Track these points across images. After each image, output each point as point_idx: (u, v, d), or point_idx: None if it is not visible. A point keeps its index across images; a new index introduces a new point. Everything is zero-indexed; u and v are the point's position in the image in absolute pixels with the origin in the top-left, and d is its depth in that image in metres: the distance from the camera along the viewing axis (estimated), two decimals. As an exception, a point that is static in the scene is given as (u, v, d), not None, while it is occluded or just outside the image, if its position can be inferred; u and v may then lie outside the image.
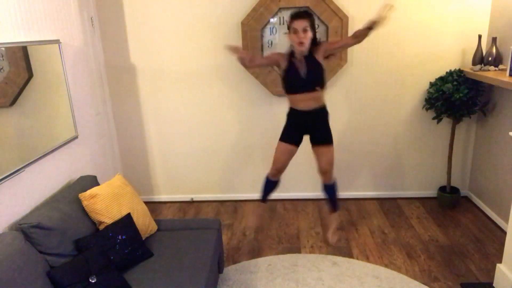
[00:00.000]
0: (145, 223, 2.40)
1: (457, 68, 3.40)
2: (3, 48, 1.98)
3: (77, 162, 2.63)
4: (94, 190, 2.25)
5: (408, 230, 3.27)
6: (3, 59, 1.99)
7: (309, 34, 2.61)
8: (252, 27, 3.36)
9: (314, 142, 2.89)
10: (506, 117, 3.17)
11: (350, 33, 3.40)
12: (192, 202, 3.96)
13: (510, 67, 2.79)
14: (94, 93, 3.28)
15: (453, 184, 3.73)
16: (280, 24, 3.39)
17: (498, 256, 2.84)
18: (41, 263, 1.83)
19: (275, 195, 3.90)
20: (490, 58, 3.17)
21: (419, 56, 3.46)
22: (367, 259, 2.91)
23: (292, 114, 2.86)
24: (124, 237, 2.16)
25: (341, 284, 2.62)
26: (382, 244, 3.08)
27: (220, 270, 2.64)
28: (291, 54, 2.73)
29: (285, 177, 3.84)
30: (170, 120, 3.74)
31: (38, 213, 1.96)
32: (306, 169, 3.74)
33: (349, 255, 2.96)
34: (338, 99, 3.58)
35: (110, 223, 2.20)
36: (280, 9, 3.33)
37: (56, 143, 2.38)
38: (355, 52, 3.46)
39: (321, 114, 2.83)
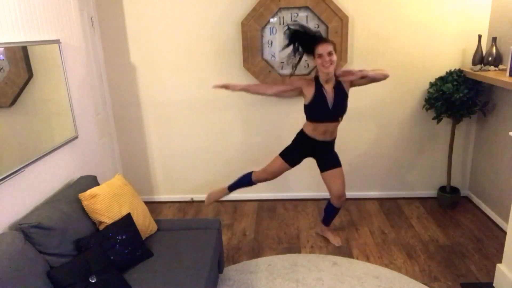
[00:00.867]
0: (145, 223, 2.40)
1: (457, 68, 3.40)
2: (3, 48, 1.98)
3: (77, 162, 2.63)
4: (94, 190, 2.24)
5: (408, 230, 3.27)
6: (3, 59, 1.99)
7: (334, 57, 2.57)
8: (252, 27, 3.36)
9: (325, 167, 2.87)
10: (506, 117, 3.17)
11: (350, 32, 3.41)
12: (192, 202, 3.96)
13: (510, 67, 2.79)
14: (94, 93, 3.28)
15: (453, 184, 3.73)
16: (280, 24, 3.39)
17: (498, 256, 2.84)
18: (41, 263, 1.83)
19: (275, 195, 3.92)
20: (490, 58, 3.17)
21: (419, 56, 3.46)
22: (367, 259, 2.91)
23: (304, 140, 2.82)
24: (124, 237, 2.16)
25: (341, 284, 2.62)
26: (382, 244, 3.08)
27: (220, 270, 2.64)
28: (317, 83, 2.69)
29: (285, 177, 3.85)
30: (170, 120, 3.74)
31: (38, 213, 1.96)
32: (306, 169, 3.74)
33: (349, 255, 2.96)
34: (338, 99, 3.58)
35: (110, 223, 2.20)
36: (280, 9, 3.33)
37: (56, 143, 2.38)
38: (355, 52, 3.47)
39: (332, 142, 2.86)
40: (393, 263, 2.85)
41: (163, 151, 3.85)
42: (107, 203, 2.24)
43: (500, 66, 3.15)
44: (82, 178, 2.48)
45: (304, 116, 2.81)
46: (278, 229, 3.36)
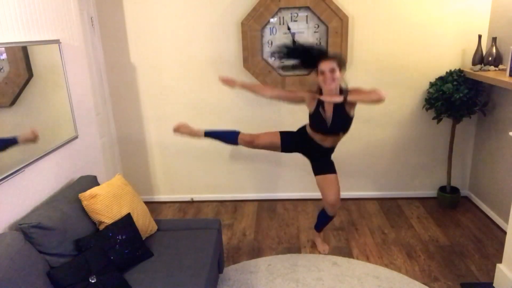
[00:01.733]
0: (145, 223, 2.40)
1: (457, 68, 3.40)
2: (3, 48, 1.98)
3: (77, 162, 2.63)
4: (94, 190, 2.25)
5: (408, 230, 3.27)
6: (3, 59, 1.99)
7: (337, 74, 2.48)
8: (252, 27, 3.36)
9: (321, 171, 2.79)
10: (506, 117, 3.17)
11: (351, 32, 3.40)
12: (192, 202, 3.96)
13: (510, 67, 2.79)
14: (94, 93, 3.28)
15: (453, 184, 3.73)
16: (280, 24, 3.39)
17: (498, 256, 2.83)
18: (41, 263, 1.83)
19: (275, 195, 3.91)
20: (490, 58, 3.17)
21: (419, 56, 3.46)
22: (367, 259, 2.91)
23: (304, 136, 2.77)
24: (124, 237, 2.16)
25: (341, 284, 2.62)
26: (382, 244, 3.08)
27: (220, 270, 2.64)
28: (319, 100, 2.60)
29: (285, 177, 3.86)
30: (170, 120, 3.73)
31: (38, 213, 1.96)
32: (306, 169, 3.74)
33: (349, 255, 2.96)
34: (338, 99, 3.57)
35: (110, 223, 2.20)
36: (280, 9, 3.33)
37: (56, 143, 2.38)
38: (355, 52, 3.47)
39: (331, 150, 2.81)
40: (393, 263, 2.85)
41: (163, 151, 3.85)
42: (107, 203, 2.24)
43: (500, 66, 3.15)
44: (82, 178, 2.48)
45: (306, 116, 2.80)
46: (278, 229, 3.36)
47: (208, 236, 2.44)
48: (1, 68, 1.98)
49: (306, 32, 3.40)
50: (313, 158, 2.86)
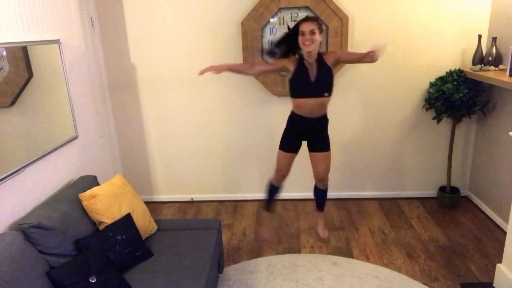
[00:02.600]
0: (145, 223, 2.40)
1: (457, 68, 3.40)
2: (3, 48, 1.98)
3: (77, 162, 2.63)
4: (94, 190, 2.25)
5: (408, 230, 3.27)
6: (3, 59, 1.99)
7: (317, 37, 2.57)
8: (252, 27, 3.36)
9: (313, 149, 2.88)
10: (506, 117, 3.17)
11: (351, 32, 3.41)
12: (192, 202, 3.96)
13: (510, 67, 2.79)
14: (94, 93, 3.28)
15: (453, 184, 3.73)
16: (280, 24, 3.39)
17: (498, 256, 2.84)
18: (41, 263, 1.83)
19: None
20: (490, 58, 3.17)
21: (419, 56, 3.46)
22: (367, 259, 2.91)
23: (294, 120, 2.81)
24: (124, 237, 2.16)
25: (341, 284, 2.62)
26: (382, 244, 3.08)
27: (220, 270, 2.64)
28: (300, 59, 2.70)
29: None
30: (170, 120, 3.74)
31: (38, 213, 1.96)
32: (306, 169, 3.73)
33: (349, 255, 2.96)
34: (338, 99, 3.58)
35: (110, 223, 2.20)
36: (280, 9, 3.33)
37: (56, 143, 2.38)
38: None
39: (323, 121, 2.81)
40: (393, 263, 2.85)
41: (163, 151, 3.85)
42: (107, 203, 2.24)
43: (500, 66, 3.15)
44: (82, 178, 2.48)
45: None
46: (278, 229, 3.36)
47: (208, 236, 2.44)
48: (1, 68, 1.98)
49: (306, 32, 3.39)
50: (310, 137, 2.86)
